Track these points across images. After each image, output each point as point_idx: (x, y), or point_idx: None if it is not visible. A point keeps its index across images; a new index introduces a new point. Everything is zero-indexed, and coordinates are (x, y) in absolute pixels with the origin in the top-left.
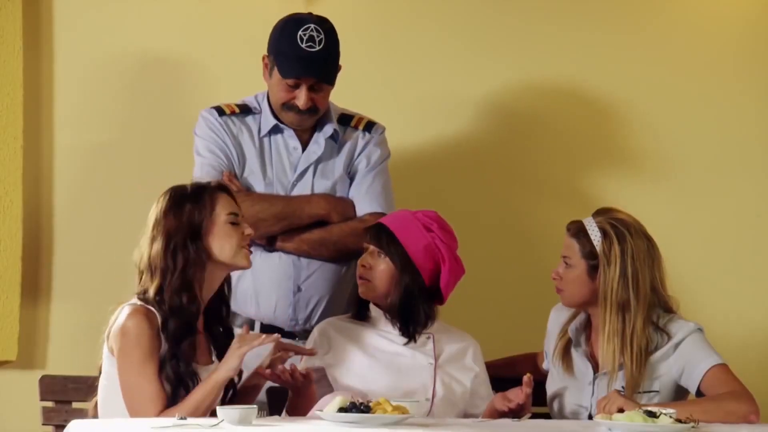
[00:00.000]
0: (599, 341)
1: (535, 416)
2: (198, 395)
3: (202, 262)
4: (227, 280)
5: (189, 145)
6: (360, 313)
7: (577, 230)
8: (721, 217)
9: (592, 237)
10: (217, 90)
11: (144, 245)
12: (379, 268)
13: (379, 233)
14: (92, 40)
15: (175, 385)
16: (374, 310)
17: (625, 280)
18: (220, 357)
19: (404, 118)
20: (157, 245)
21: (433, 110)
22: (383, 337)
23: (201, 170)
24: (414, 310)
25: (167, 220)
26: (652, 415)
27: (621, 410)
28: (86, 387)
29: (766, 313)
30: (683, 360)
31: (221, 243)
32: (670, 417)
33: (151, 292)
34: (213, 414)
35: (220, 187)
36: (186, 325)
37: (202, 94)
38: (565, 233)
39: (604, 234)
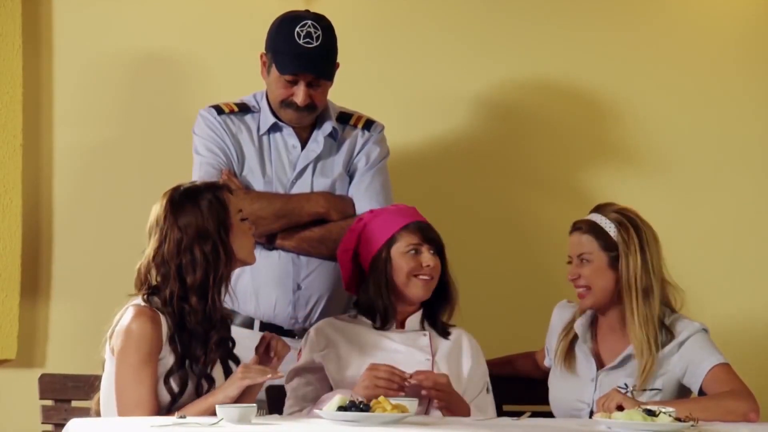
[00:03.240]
0: (629, 330)
1: (535, 415)
2: (191, 412)
3: (230, 260)
4: None
5: (189, 143)
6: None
7: (590, 226)
8: (720, 215)
9: (608, 230)
10: (217, 88)
11: (152, 244)
12: (439, 266)
13: (434, 232)
14: (92, 38)
15: (193, 386)
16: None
17: (646, 265)
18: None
19: (403, 117)
20: (172, 242)
21: (432, 108)
22: (380, 335)
23: (200, 169)
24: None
25: (185, 216)
26: (651, 413)
27: (620, 407)
28: (86, 386)
29: (765, 312)
30: (687, 359)
31: (240, 241)
32: (670, 415)
33: (166, 293)
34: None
35: (226, 186)
36: (209, 326)
37: (201, 92)
38: (572, 233)
39: (619, 224)
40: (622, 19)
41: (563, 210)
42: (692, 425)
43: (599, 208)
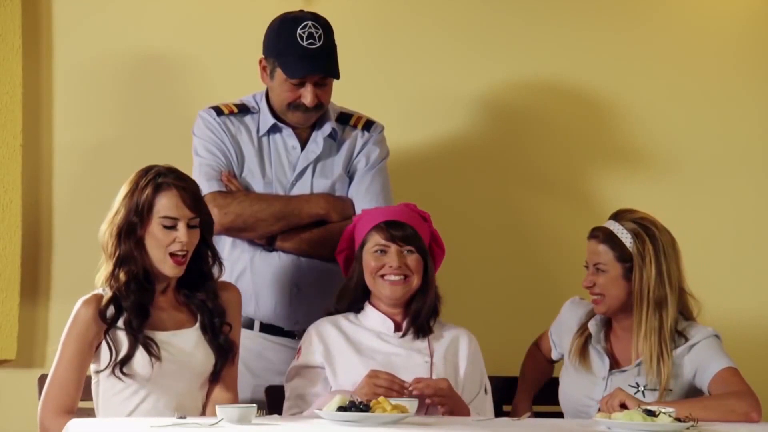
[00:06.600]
0: (633, 340)
1: (535, 415)
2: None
3: (141, 253)
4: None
5: (188, 144)
6: (357, 311)
7: (606, 236)
8: (721, 215)
9: (623, 239)
10: (216, 89)
11: (104, 222)
12: (412, 265)
13: (407, 230)
14: (91, 39)
15: (131, 350)
16: (371, 309)
17: (661, 277)
18: (205, 319)
19: (403, 117)
20: (110, 228)
21: (432, 109)
22: (378, 336)
23: (200, 170)
24: (437, 301)
25: (121, 205)
26: (651, 413)
27: (623, 405)
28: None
29: (765, 312)
30: (696, 361)
31: (150, 244)
32: (669, 416)
33: (104, 274)
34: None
35: (176, 184)
36: (135, 304)
37: (201, 92)
38: (590, 239)
39: (635, 235)
40: (622, 19)
41: (564, 210)
42: (692, 425)
43: (617, 215)
